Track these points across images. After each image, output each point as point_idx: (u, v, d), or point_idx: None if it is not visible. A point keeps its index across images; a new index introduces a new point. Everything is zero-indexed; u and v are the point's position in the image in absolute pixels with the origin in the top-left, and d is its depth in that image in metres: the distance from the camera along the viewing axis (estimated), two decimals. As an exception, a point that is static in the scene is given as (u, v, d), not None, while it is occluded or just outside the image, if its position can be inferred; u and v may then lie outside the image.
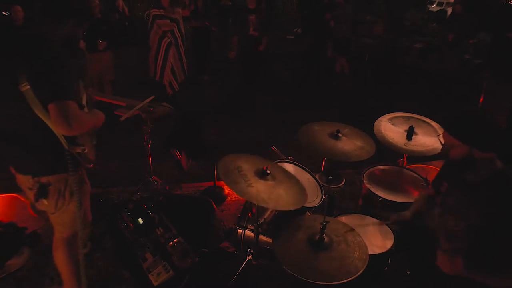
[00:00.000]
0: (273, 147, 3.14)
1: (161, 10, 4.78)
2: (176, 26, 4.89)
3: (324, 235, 1.99)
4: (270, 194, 2.00)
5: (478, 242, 1.66)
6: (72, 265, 2.32)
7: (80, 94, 1.94)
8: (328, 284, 1.85)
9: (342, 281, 1.80)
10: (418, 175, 2.88)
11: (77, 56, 1.96)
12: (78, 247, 2.13)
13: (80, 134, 1.91)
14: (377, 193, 2.66)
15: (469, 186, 1.70)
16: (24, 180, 1.98)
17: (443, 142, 1.76)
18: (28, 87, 1.76)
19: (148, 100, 3.25)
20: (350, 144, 2.65)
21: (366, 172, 2.90)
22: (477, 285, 1.66)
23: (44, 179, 1.95)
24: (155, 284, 2.46)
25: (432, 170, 3.33)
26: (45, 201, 2.01)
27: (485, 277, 1.63)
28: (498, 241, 1.59)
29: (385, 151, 2.74)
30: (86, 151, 1.96)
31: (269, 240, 2.38)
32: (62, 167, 1.92)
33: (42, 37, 1.84)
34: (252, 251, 2.43)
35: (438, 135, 1.82)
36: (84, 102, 2.01)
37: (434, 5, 11.77)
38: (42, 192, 1.97)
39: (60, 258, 2.31)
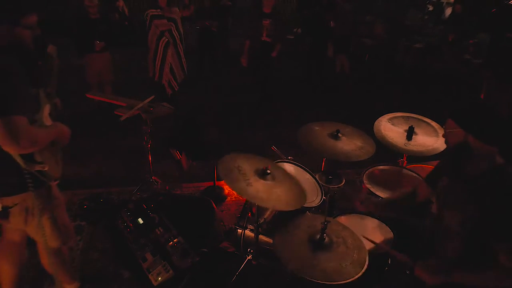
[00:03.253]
0: (273, 147, 3.14)
1: (158, 10, 4.78)
2: (173, 26, 4.89)
3: (324, 235, 1.99)
4: (270, 194, 2.00)
5: (472, 237, 1.67)
6: (63, 265, 2.33)
7: (35, 105, 1.80)
8: (327, 284, 1.85)
9: (341, 282, 1.80)
10: (418, 175, 2.88)
11: (30, 63, 1.79)
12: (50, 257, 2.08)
13: (34, 151, 1.78)
14: (377, 193, 2.66)
15: (468, 179, 1.71)
16: None
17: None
18: None
19: (148, 100, 3.25)
20: (350, 144, 2.65)
21: (366, 172, 2.91)
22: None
23: (6, 200, 1.88)
24: (155, 284, 2.46)
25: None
26: (8, 221, 1.95)
27: (472, 277, 1.64)
28: (492, 236, 1.60)
29: (385, 151, 2.74)
30: (46, 168, 1.84)
31: (269, 240, 2.39)
32: (23, 187, 1.83)
33: None
34: (252, 251, 2.43)
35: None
36: (45, 113, 1.87)
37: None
38: (3, 214, 1.90)
39: (49, 264, 2.29)
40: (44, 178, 1.88)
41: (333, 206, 2.85)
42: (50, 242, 2.15)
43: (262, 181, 2.07)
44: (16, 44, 1.73)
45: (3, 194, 1.88)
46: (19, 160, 1.74)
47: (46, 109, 1.89)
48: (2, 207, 1.89)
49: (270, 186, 2.06)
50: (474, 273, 1.64)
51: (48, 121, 1.91)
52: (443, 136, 1.80)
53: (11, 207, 1.90)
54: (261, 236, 2.42)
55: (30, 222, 1.98)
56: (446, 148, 1.80)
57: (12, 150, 1.64)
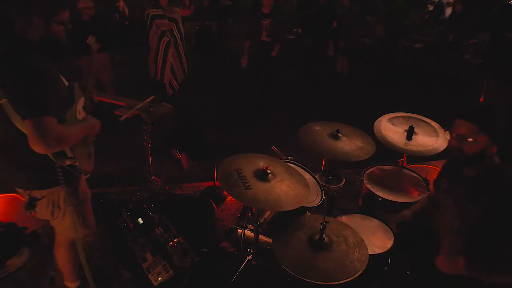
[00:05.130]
0: (273, 147, 3.14)
1: (159, 10, 4.77)
2: (174, 26, 4.88)
3: (324, 235, 1.99)
4: (269, 195, 2.00)
5: (475, 237, 1.68)
6: (73, 262, 2.39)
7: (68, 101, 1.80)
8: (327, 284, 1.85)
9: (342, 282, 1.80)
10: (418, 175, 2.88)
11: (64, 58, 1.82)
12: (80, 250, 2.11)
13: (63, 149, 1.78)
14: (377, 193, 2.66)
15: (467, 181, 1.72)
16: (19, 191, 1.97)
17: (449, 137, 1.77)
18: (6, 100, 1.62)
19: (148, 100, 3.25)
20: (350, 144, 2.65)
21: (366, 172, 2.91)
22: (475, 285, 1.67)
23: (35, 193, 1.91)
24: (155, 284, 2.46)
25: (432, 170, 3.33)
26: (35, 212, 1.97)
27: (485, 274, 1.64)
28: (494, 236, 1.60)
29: (385, 151, 2.74)
30: (77, 163, 1.86)
31: (269, 240, 2.38)
32: (53, 181, 1.85)
33: (12, 44, 1.66)
34: (252, 251, 2.43)
35: (446, 130, 1.83)
36: (79, 106, 1.88)
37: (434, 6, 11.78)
38: (31, 204, 1.92)
39: (61, 257, 2.37)
40: (75, 172, 1.89)
41: (332, 206, 2.85)
42: (70, 234, 2.17)
43: (262, 182, 2.07)
44: (50, 40, 1.74)
45: (34, 187, 1.90)
46: (50, 155, 1.75)
47: (81, 102, 1.89)
48: (30, 199, 1.91)
49: (270, 186, 2.06)
50: (480, 270, 1.64)
51: (81, 115, 1.91)
52: (451, 140, 1.75)
53: (39, 199, 1.93)
54: (261, 236, 2.42)
55: (57, 214, 2.02)
56: (450, 155, 1.77)
57: (40, 150, 1.63)
